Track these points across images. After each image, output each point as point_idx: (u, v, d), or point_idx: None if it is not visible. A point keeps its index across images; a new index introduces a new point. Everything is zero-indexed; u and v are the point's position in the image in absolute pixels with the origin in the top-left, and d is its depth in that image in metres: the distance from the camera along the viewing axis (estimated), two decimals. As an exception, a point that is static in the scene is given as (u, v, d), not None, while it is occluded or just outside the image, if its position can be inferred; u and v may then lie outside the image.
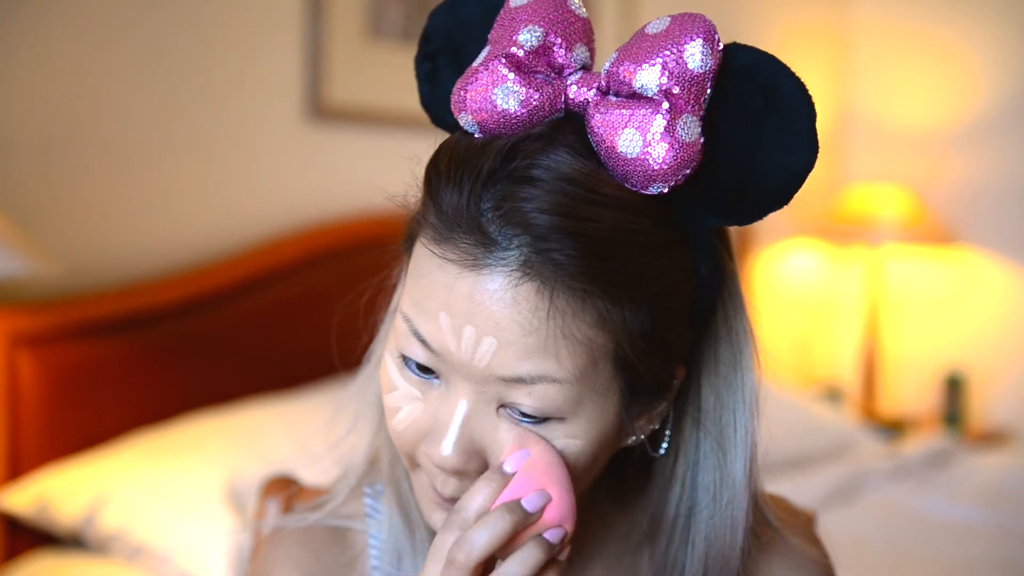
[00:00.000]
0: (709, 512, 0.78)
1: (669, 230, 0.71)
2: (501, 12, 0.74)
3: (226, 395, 2.09)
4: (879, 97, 3.81)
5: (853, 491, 2.51)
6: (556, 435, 0.71)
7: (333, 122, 2.49)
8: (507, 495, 0.70)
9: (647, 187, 0.69)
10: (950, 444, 2.99)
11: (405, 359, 0.73)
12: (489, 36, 0.74)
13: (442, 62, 0.79)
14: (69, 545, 1.84)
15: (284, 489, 1.08)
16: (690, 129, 0.69)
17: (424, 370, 0.73)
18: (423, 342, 0.71)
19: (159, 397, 2.05)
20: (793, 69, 0.72)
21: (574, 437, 0.71)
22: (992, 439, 3.39)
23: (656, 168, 0.68)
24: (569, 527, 0.71)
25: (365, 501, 0.87)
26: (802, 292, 3.76)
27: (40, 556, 1.81)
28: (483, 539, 0.68)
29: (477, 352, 0.69)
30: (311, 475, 1.12)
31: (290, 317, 2.29)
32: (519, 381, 0.69)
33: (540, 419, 0.70)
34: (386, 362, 0.76)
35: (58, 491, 1.77)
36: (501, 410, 0.71)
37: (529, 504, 0.70)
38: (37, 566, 1.78)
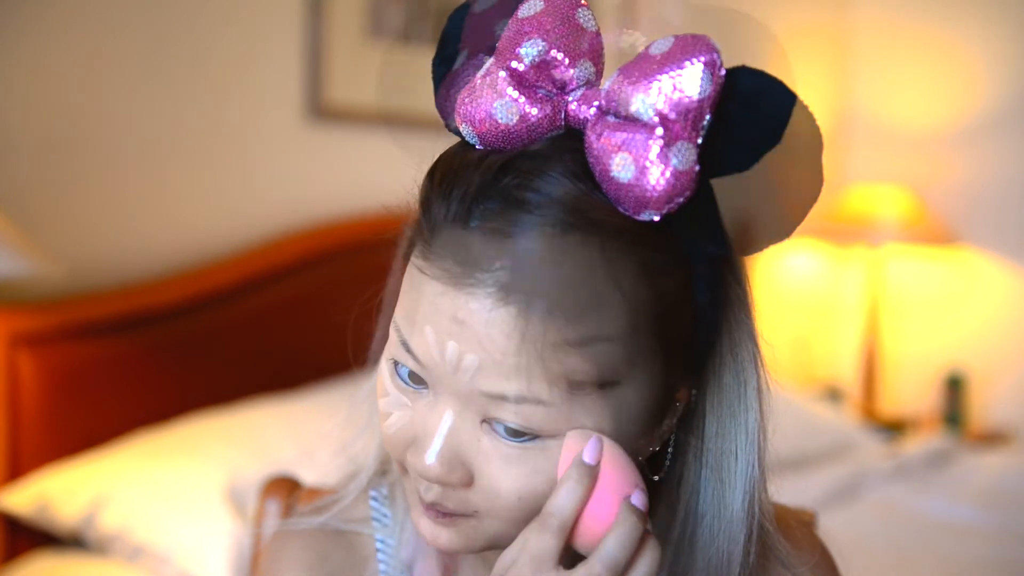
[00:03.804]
0: (705, 543, 0.77)
1: (662, 257, 0.70)
2: (510, 21, 0.72)
3: (226, 395, 2.09)
4: (879, 97, 3.81)
5: (853, 491, 2.51)
6: (539, 455, 0.70)
7: (333, 122, 2.49)
8: (600, 488, 0.70)
9: (639, 213, 0.68)
10: (950, 444, 2.99)
11: (397, 366, 0.74)
12: (497, 45, 0.72)
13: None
14: (69, 545, 1.84)
15: (284, 489, 1.08)
16: (685, 156, 0.67)
17: (414, 379, 0.73)
18: (411, 353, 0.71)
19: (159, 397, 2.05)
20: (799, 82, 0.69)
21: (558, 457, 0.71)
22: (992, 439, 3.39)
23: (648, 195, 0.67)
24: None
25: (371, 504, 0.87)
26: (802, 292, 3.76)
27: (40, 556, 1.81)
28: (621, 554, 0.69)
29: (460, 367, 0.69)
30: (312, 475, 1.12)
31: (290, 317, 2.29)
32: (503, 399, 0.69)
33: (524, 437, 0.70)
34: (381, 367, 0.76)
35: (58, 491, 1.77)
36: (484, 424, 0.71)
37: (640, 503, 0.70)
38: (37, 566, 1.78)
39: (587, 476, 0.69)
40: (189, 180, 2.26)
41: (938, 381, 3.61)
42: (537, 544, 0.69)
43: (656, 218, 0.68)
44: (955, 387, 3.48)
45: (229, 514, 1.72)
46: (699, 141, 0.67)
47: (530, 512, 0.72)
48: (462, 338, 0.68)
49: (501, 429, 0.70)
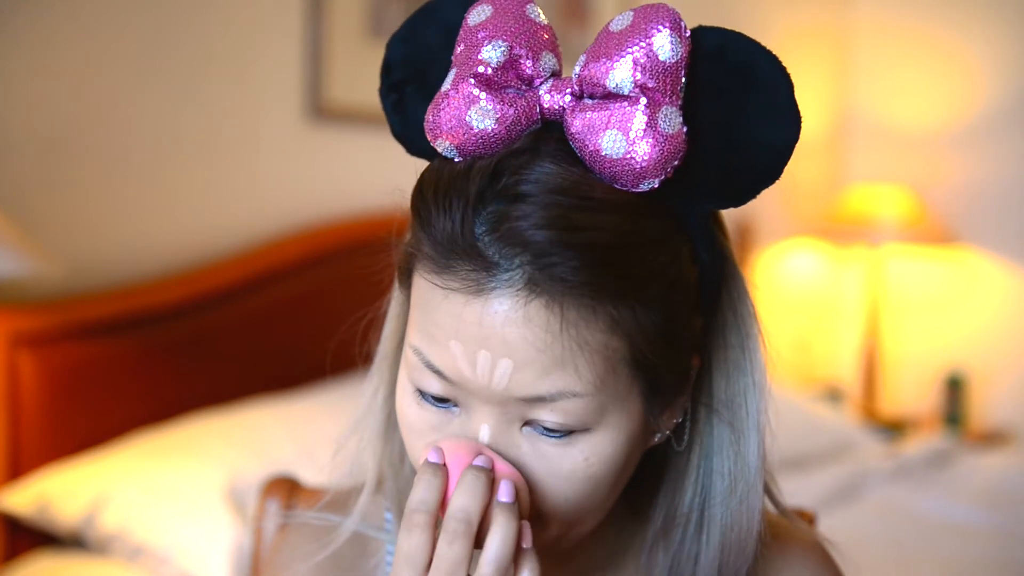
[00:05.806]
0: (723, 499, 0.78)
1: (666, 223, 0.71)
2: (461, 31, 0.72)
3: (226, 395, 2.09)
4: (879, 97, 3.81)
5: (853, 491, 2.51)
6: (583, 447, 0.70)
7: (333, 122, 2.49)
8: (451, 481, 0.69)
9: (637, 185, 0.69)
10: (950, 444, 2.99)
11: (421, 392, 0.73)
12: (453, 57, 0.73)
13: (408, 90, 0.78)
14: (69, 545, 1.84)
15: (284, 489, 1.08)
16: (671, 120, 0.68)
17: (442, 400, 0.72)
18: (437, 372, 0.70)
19: (159, 397, 2.05)
20: (767, 47, 0.71)
21: (602, 446, 0.71)
22: (992, 439, 3.39)
23: (643, 165, 0.67)
24: (518, 477, 0.70)
25: (386, 516, 0.86)
26: (802, 292, 3.77)
27: (40, 556, 1.81)
28: (470, 503, 0.67)
29: (494, 376, 0.68)
30: (312, 475, 1.12)
31: (290, 317, 2.29)
32: (539, 400, 0.68)
33: (565, 432, 0.70)
34: (401, 397, 0.75)
35: (58, 491, 1.77)
36: (525, 428, 0.71)
37: (507, 496, 0.68)
38: (37, 566, 1.78)
39: (440, 476, 0.68)
40: (189, 180, 2.26)
41: (938, 381, 3.61)
42: (405, 541, 0.67)
43: (655, 185, 0.69)
44: (955, 387, 3.48)
45: (229, 514, 1.72)
46: (680, 103, 0.68)
47: (582, 511, 0.72)
48: (493, 344, 0.67)
49: (540, 428, 0.70)
